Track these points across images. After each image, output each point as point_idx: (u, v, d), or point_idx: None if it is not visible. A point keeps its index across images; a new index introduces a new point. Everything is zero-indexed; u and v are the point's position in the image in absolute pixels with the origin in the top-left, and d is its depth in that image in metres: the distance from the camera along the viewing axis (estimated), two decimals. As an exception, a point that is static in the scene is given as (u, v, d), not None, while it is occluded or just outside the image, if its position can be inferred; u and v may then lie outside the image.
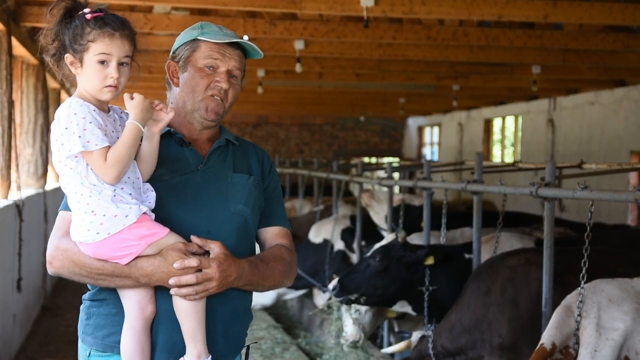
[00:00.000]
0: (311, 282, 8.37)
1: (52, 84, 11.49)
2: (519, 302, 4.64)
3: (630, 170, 7.72)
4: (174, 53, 2.71)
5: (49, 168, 11.43)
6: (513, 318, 4.63)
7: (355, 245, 8.18)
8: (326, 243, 8.47)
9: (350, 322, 6.63)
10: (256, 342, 2.77)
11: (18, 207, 7.67)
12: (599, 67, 11.13)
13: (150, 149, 2.51)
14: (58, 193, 11.70)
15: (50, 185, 11.26)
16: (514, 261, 4.85)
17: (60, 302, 10.35)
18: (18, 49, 8.33)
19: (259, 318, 9.40)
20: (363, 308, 6.66)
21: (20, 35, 8.01)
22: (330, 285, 5.97)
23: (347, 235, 8.37)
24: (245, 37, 8.28)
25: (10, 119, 7.63)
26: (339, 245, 8.42)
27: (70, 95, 13.13)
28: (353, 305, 6.53)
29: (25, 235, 7.95)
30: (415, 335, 5.23)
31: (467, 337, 4.79)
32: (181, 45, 2.69)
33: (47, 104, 10.48)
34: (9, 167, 7.69)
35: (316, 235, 8.65)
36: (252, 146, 2.83)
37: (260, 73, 11.46)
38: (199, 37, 2.65)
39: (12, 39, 7.56)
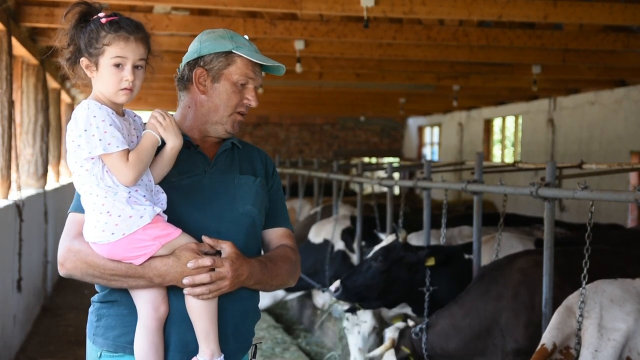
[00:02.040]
0: (310, 283, 8.36)
1: (52, 84, 11.49)
2: (535, 306, 4.59)
3: (630, 170, 7.72)
4: (202, 59, 2.68)
5: (49, 168, 11.43)
6: (529, 322, 4.59)
7: (355, 246, 8.18)
8: (326, 243, 8.46)
9: (356, 351, 6.59)
10: (260, 342, 2.80)
11: (18, 207, 7.67)
12: (599, 67, 11.12)
13: (170, 155, 2.56)
14: (58, 193, 11.70)
15: (50, 185, 11.26)
16: (522, 264, 4.80)
17: (60, 302, 10.34)
18: (18, 49, 8.32)
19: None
20: (366, 330, 6.61)
21: (20, 35, 8.00)
22: (333, 287, 5.97)
23: (347, 235, 8.35)
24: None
25: (10, 119, 7.63)
26: (339, 245, 8.40)
27: (70, 95, 13.12)
28: (357, 329, 6.50)
29: (25, 235, 7.95)
30: (391, 331, 5.15)
31: (477, 342, 4.74)
32: (212, 54, 2.67)
33: (47, 104, 10.47)
34: (9, 167, 7.68)
35: (316, 235, 8.64)
36: (256, 149, 2.89)
37: (260, 73, 11.43)
38: (234, 51, 2.66)
39: (12, 39, 7.56)
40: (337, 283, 5.97)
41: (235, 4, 7.19)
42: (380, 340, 6.67)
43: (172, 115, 2.63)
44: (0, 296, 6.82)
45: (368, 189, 11.38)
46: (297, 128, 23.38)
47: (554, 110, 15.42)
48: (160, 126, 2.52)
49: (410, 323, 5.09)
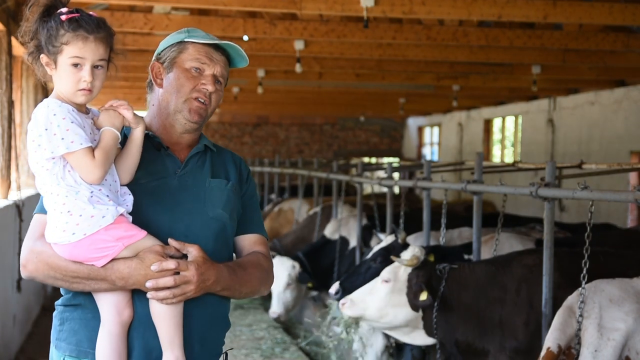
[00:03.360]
0: (313, 281, 8.37)
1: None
2: (534, 305, 4.58)
3: (630, 170, 7.73)
4: (158, 55, 2.69)
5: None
6: (529, 321, 4.58)
7: (357, 247, 8.19)
8: (343, 240, 8.49)
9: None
10: (232, 349, 2.73)
11: (18, 207, 7.67)
12: (599, 67, 11.12)
13: (133, 150, 2.50)
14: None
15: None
16: (529, 261, 4.80)
17: (60, 302, 10.34)
18: (18, 49, 8.32)
19: (259, 318, 9.40)
20: (379, 350, 6.51)
21: (20, 35, 7.99)
22: (332, 289, 5.96)
23: (366, 232, 8.34)
24: (245, 37, 8.19)
25: (10, 119, 7.63)
26: (355, 241, 8.43)
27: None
28: (371, 350, 6.42)
29: (25, 235, 7.94)
30: (420, 251, 5.02)
31: (481, 330, 4.74)
32: (167, 48, 2.67)
33: (47, 104, 10.47)
34: (9, 167, 7.69)
35: (334, 232, 8.66)
36: (230, 154, 2.81)
37: (260, 73, 11.46)
38: (186, 40, 2.64)
39: (12, 39, 7.56)
40: (336, 285, 5.96)
41: (235, 4, 7.19)
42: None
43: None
44: (0, 296, 6.82)
45: (368, 189, 11.38)
46: (297, 128, 23.37)
47: (554, 110, 15.42)
48: (130, 112, 2.46)
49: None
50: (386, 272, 5.07)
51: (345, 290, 5.85)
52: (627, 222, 12.48)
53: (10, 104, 7.66)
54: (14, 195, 7.91)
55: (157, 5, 7.88)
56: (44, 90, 10.20)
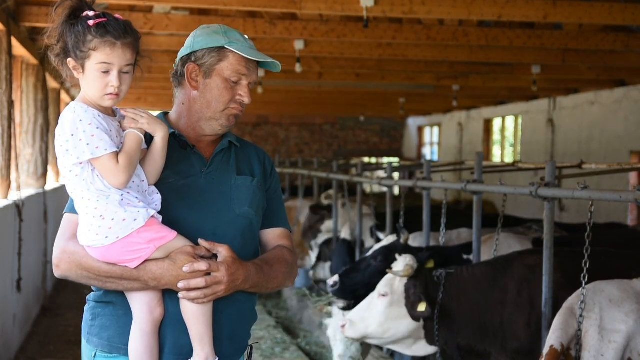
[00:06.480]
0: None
1: (52, 84, 11.49)
2: (535, 305, 4.56)
3: (630, 170, 7.73)
4: (194, 54, 2.66)
5: (49, 168, 11.43)
6: (531, 321, 4.57)
7: (357, 245, 8.19)
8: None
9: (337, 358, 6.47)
10: (257, 342, 2.80)
11: (18, 207, 7.67)
12: (599, 67, 11.12)
13: (161, 145, 2.52)
14: (58, 193, 11.70)
15: (50, 185, 11.26)
16: (530, 261, 4.77)
17: (60, 302, 10.34)
18: (18, 49, 8.33)
19: (259, 318, 9.40)
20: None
21: (20, 35, 8.00)
22: (330, 282, 5.94)
23: (377, 231, 8.38)
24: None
25: (10, 119, 7.63)
26: (370, 242, 8.45)
27: (70, 95, 13.08)
28: (339, 336, 6.38)
29: (25, 235, 7.95)
30: (412, 260, 4.85)
31: (483, 333, 4.73)
32: (205, 49, 2.64)
33: (47, 104, 10.47)
34: (9, 167, 7.68)
35: (350, 233, 8.73)
36: (254, 147, 2.85)
37: (260, 73, 11.37)
38: (226, 47, 2.63)
39: (12, 39, 7.56)
40: (335, 278, 5.94)
41: (235, 4, 7.19)
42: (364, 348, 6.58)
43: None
44: (0, 296, 6.82)
45: (368, 189, 11.39)
46: (297, 128, 23.38)
47: (554, 110, 15.42)
48: (144, 122, 2.47)
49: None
50: (382, 286, 4.95)
51: (343, 285, 5.83)
52: (627, 222, 12.48)
53: (10, 104, 7.66)
54: (14, 195, 7.91)
55: (157, 5, 7.88)
56: (44, 90, 10.20)
